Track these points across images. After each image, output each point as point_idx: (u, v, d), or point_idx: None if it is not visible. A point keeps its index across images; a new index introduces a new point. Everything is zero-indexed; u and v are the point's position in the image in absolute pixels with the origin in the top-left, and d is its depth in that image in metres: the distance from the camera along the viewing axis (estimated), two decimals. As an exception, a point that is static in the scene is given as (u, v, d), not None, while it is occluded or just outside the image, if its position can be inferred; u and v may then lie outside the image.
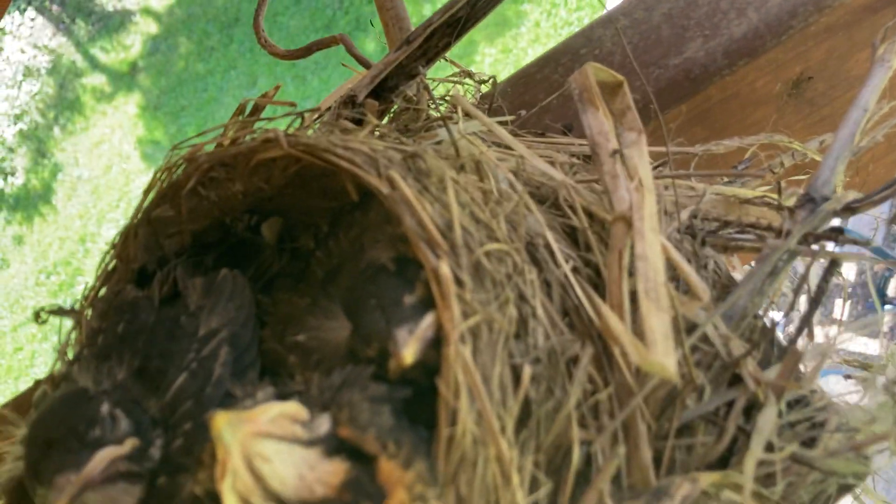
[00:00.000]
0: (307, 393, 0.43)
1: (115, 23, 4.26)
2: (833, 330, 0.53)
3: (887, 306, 2.45)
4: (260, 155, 0.50)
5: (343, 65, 0.73)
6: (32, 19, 4.38)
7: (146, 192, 0.53)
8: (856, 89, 0.55)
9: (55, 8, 4.38)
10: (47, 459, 0.42)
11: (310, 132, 0.58)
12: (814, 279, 0.49)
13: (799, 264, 0.51)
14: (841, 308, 2.05)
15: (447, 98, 0.66)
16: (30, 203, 4.05)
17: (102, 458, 0.42)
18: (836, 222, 0.53)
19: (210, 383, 0.44)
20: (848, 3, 0.68)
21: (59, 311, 0.52)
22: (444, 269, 0.40)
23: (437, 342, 0.41)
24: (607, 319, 0.42)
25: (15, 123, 4.24)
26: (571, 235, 0.48)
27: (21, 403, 0.50)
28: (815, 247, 0.49)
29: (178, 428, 0.44)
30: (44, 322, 0.52)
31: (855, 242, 0.51)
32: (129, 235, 0.53)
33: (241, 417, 0.37)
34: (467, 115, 0.56)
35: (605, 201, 0.48)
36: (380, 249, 0.47)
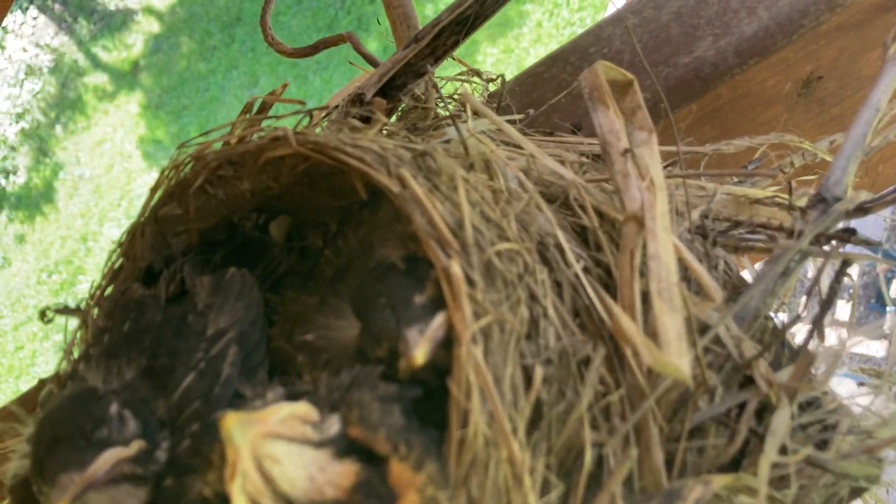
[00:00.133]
0: (316, 392, 0.42)
1: (117, 22, 4.26)
2: (840, 332, 0.53)
3: (889, 308, 2.45)
4: (268, 153, 0.49)
5: (350, 63, 0.73)
6: (34, 18, 4.38)
7: (153, 191, 0.53)
8: (866, 89, 0.55)
9: (57, 7, 4.38)
10: (53, 457, 0.42)
11: (318, 130, 0.58)
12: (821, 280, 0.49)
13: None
14: (846, 309, 2.05)
15: (455, 97, 0.65)
16: (31, 202, 4.05)
17: (108, 458, 0.41)
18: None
19: (219, 383, 0.44)
20: (859, 2, 0.68)
21: (65, 310, 0.52)
22: (455, 268, 0.40)
23: (447, 342, 0.40)
24: (619, 320, 0.41)
25: (17, 122, 4.24)
26: (582, 235, 0.48)
27: (25, 402, 0.50)
28: (826, 247, 0.49)
29: (185, 429, 0.44)
30: (49, 321, 0.52)
31: (867, 243, 0.51)
32: (136, 233, 0.53)
33: (251, 418, 0.37)
34: (476, 113, 0.56)
35: (615, 201, 0.48)
36: (389, 248, 0.47)
